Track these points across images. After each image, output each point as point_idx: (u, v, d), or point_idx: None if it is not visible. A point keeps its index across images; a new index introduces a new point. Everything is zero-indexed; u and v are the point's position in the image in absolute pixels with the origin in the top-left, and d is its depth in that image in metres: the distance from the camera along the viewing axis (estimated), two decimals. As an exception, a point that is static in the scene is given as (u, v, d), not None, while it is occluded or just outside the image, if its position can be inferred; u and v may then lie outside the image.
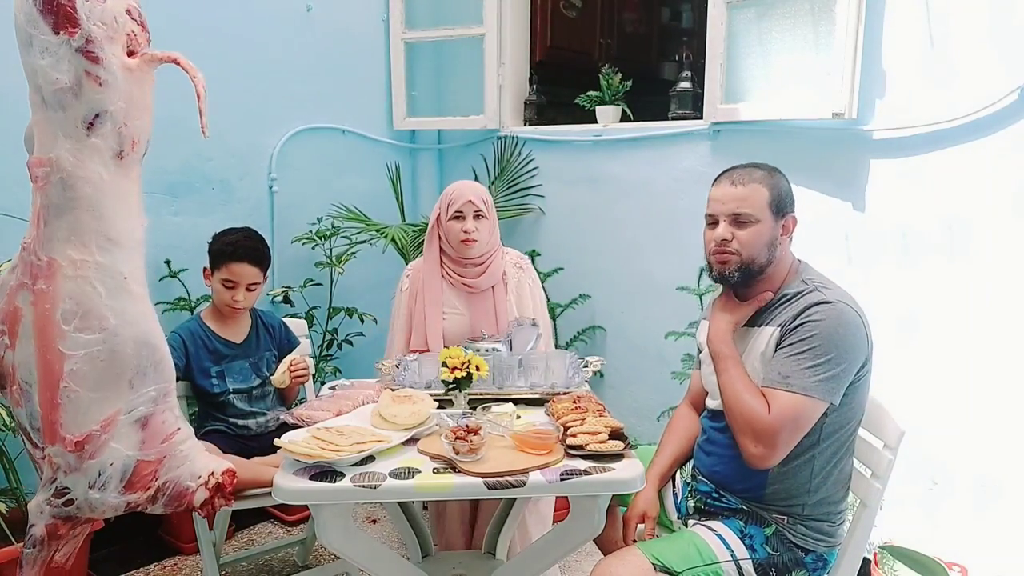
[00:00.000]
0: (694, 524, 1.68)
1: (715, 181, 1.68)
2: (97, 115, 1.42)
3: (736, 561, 1.56)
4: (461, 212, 2.18)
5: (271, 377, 2.24)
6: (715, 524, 1.64)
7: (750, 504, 1.64)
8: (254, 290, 2.26)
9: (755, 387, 1.56)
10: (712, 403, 1.76)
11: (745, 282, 1.64)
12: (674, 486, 1.84)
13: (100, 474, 1.50)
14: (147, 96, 1.50)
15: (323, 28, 3.17)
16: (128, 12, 1.45)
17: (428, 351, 2.14)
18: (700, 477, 1.76)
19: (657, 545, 1.59)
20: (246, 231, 2.30)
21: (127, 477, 1.52)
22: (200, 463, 1.61)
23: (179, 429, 1.59)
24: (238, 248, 2.22)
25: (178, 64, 1.51)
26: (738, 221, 1.60)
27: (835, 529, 1.65)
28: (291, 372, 2.20)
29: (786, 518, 1.61)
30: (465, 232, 2.17)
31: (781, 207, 1.62)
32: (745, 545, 1.59)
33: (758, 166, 1.65)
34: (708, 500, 1.72)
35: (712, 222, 1.66)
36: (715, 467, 1.72)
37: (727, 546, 1.58)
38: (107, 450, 1.49)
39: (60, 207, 1.44)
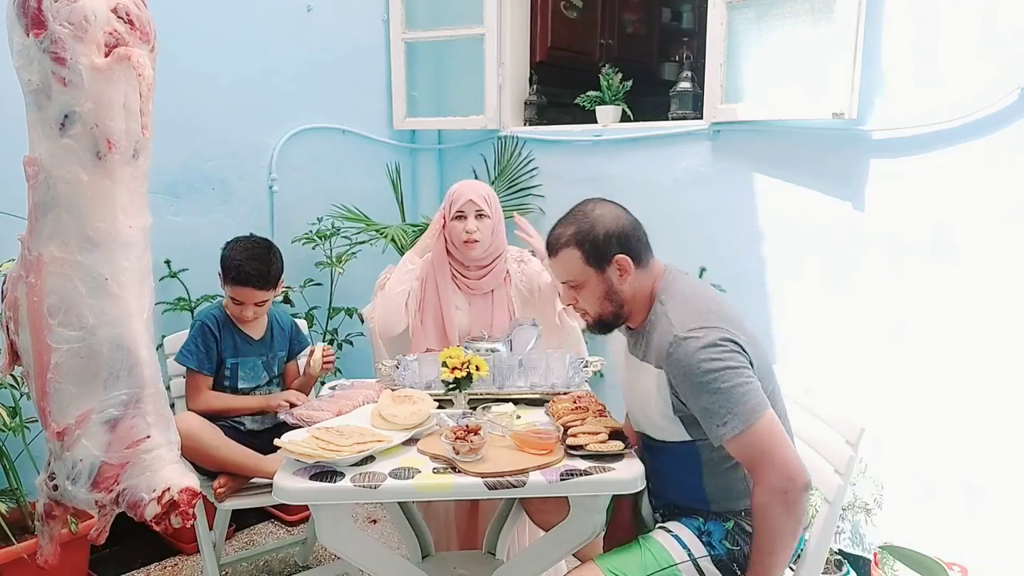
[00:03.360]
0: (657, 528, 1.67)
1: None
2: (67, 116, 1.42)
3: (694, 560, 1.55)
4: (463, 212, 2.15)
5: (308, 368, 2.25)
6: (673, 525, 1.63)
7: (704, 511, 1.63)
8: (263, 304, 2.27)
9: (761, 535, 1.47)
10: (635, 427, 1.73)
11: (607, 332, 1.67)
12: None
13: (73, 467, 1.52)
14: (130, 96, 1.45)
15: (323, 28, 3.17)
16: (114, 11, 1.42)
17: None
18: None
19: (613, 558, 1.57)
20: (253, 250, 2.24)
21: (93, 476, 1.52)
22: (161, 476, 1.54)
23: (148, 437, 1.54)
24: (241, 273, 2.19)
25: (129, 61, 1.45)
26: (570, 287, 1.62)
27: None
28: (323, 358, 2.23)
29: (742, 511, 1.60)
30: (467, 232, 2.14)
31: (601, 256, 1.57)
32: (703, 543, 1.57)
33: (570, 221, 1.60)
34: (672, 508, 1.71)
35: None
36: (658, 491, 1.71)
37: (683, 546, 1.56)
38: (79, 446, 1.51)
39: (45, 205, 1.45)
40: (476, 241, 2.15)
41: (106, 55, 1.42)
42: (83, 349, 1.47)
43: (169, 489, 1.53)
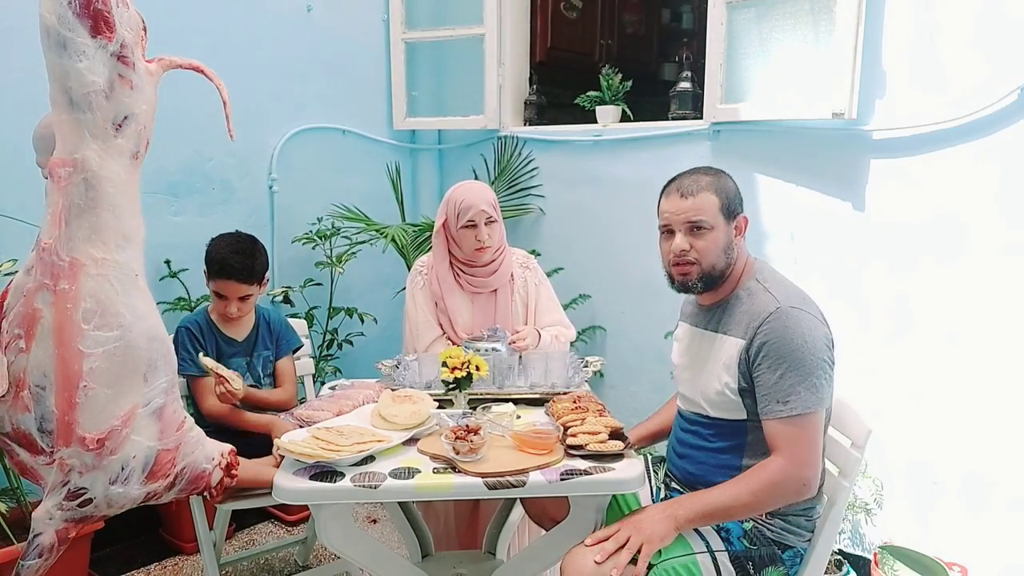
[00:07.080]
0: None
1: (663, 192, 1.68)
2: (126, 117, 1.49)
3: (712, 552, 1.55)
4: (473, 221, 2.15)
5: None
6: None
7: None
8: (247, 299, 2.26)
9: (741, 482, 1.53)
10: (682, 405, 1.77)
11: (708, 289, 1.66)
12: (651, 492, 1.83)
13: (123, 468, 1.54)
14: (153, 100, 1.56)
15: (323, 28, 3.17)
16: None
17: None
18: (674, 484, 1.76)
19: None
20: (237, 244, 2.24)
21: (149, 467, 1.57)
22: (210, 446, 1.71)
23: (185, 417, 1.66)
24: (225, 266, 2.19)
25: (202, 73, 1.60)
26: (693, 230, 1.61)
27: (813, 524, 1.65)
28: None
29: (764, 513, 1.60)
30: (479, 240, 2.16)
31: (731, 210, 1.63)
32: (721, 537, 1.58)
33: (703, 172, 1.65)
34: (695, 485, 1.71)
35: (667, 231, 1.66)
36: (688, 469, 1.71)
37: (702, 537, 1.57)
38: (129, 444, 1.53)
39: (81, 207, 1.47)
40: (488, 247, 2.18)
41: (148, 61, 1.53)
42: (119, 348, 1.50)
43: (223, 454, 1.73)
